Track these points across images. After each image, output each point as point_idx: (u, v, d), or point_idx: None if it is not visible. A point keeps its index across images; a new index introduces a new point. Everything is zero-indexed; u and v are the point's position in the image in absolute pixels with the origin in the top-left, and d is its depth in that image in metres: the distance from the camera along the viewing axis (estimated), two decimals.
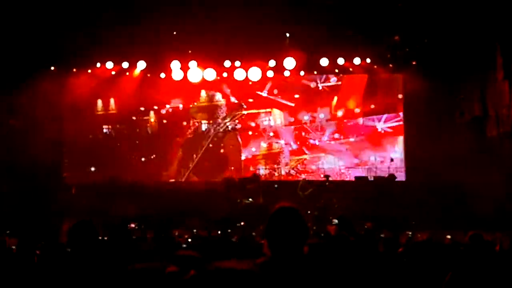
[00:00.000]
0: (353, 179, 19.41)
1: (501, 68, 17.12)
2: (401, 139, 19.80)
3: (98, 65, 19.28)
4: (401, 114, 19.80)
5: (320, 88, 20.37)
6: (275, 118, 20.44)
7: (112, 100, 20.38)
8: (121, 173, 19.71)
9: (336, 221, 6.35)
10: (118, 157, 20.43)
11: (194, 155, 20.46)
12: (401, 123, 19.89)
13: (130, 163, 20.61)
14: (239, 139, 20.55)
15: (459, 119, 18.63)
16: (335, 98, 20.28)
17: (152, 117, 20.62)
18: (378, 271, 5.15)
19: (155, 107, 20.54)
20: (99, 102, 20.38)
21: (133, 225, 10.00)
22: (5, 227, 13.57)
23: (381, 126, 19.96)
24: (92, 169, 20.45)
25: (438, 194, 16.04)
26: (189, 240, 12.29)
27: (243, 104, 20.52)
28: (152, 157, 20.68)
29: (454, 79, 18.26)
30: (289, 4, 15.86)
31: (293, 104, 20.37)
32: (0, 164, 17.34)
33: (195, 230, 15.42)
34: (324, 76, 20.27)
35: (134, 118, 20.60)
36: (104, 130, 20.65)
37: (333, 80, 20.33)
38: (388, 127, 19.94)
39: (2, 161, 17.38)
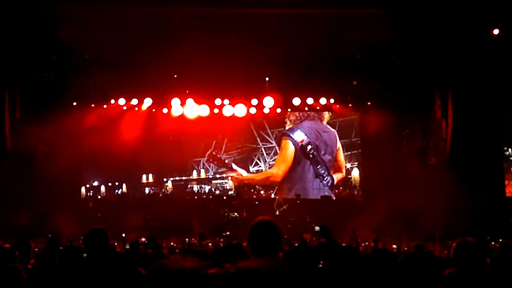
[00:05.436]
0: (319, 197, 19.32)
1: (439, 108, 17.28)
2: None
3: (112, 101, 19.20)
4: None
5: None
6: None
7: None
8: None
9: (318, 228, 6.24)
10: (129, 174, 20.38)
11: None
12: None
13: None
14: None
15: (405, 149, 18.70)
16: None
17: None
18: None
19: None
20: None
21: (143, 239, 9.83)
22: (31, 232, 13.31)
23: None
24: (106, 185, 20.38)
25: (389, 212, 15.98)
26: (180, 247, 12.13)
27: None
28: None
29: (401, 116, 18.36)
30: (270, 54, 15.94)
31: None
32: (29, 181, 17.24)
33: (187, 240, 15.29)
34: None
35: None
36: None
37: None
38: None
39: (30, 179, 17.27)
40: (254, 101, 18.94)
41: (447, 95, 16.94)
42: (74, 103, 19.03)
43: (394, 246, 12.72)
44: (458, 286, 4.71)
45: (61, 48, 15.66)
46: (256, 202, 19.15)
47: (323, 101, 18.98)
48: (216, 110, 19.34)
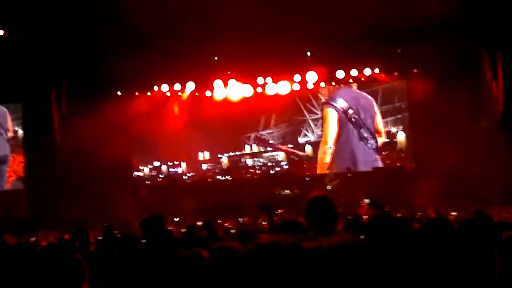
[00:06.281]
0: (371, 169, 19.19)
1: (489, 70, 16.93)
2: None
3: (156, 88, 19.37)
4: None
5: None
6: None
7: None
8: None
9: (367, 201, 6.19)
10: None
11: None
12: None
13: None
14: None
15: (456, 113, 18.32)
16: None
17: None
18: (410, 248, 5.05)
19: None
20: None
21: (199, 223, 9.97)
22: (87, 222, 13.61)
23: None
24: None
25: (445, 179, 15.75)
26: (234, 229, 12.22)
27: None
28: None
29: (449, 81, 17.96)
30: (310, 27, 15.80)
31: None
32: (82, 173, 17.59)
33: (241, 219, 15.37)
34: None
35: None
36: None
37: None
38: None
39: (83, 171, 17.62)
40: (297, 77, 18.82)
41: (496, 55, 16.53)
42: (119, 93, 19.29)
43: (453, 213, 12.54)
44: None
45: (101, 39, 15.88)
46: (307, 178, 19.17)
47: (367, 71, 18.76)
48: (259, 89, 19.32)
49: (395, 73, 19.29)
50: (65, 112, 18.23)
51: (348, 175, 18.66)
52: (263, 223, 12.84)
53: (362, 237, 4.25)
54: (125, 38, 15.93)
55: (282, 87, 19.06)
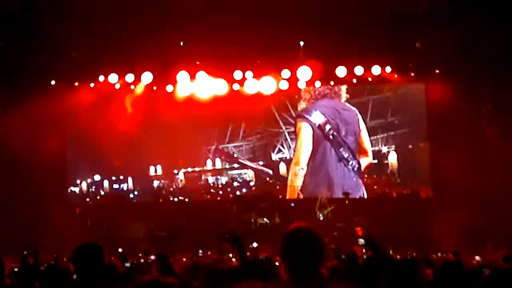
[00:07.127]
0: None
1: None
2: None
3: (102, 78, 19.19)
4: None
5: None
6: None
7: None
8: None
9: (362, 241, 6.15)
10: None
11: None
12: None
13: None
14: None
15: (486, 129, 18.46)
16: None
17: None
18: None
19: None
20: None
21: (153, 257, 9.96)
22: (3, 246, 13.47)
23: None
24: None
25: (467, 208, 15.84)
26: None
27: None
28: None
29: (480, 86, 18.07)
30: (304, 10, 15.78)
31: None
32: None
33: (201, 252, 15.32)
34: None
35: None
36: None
37: None
38: None
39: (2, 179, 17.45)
40: (286, 73, 18.80)
41: None
42: (53, 82, 19.11)
43: (477, 258, 12.60)
44: None
45: (35, 13, 15.74)
46: (292, 204, 19.16)
47: (376, 70, 18.77)
48: (236, 87, 19.28)
49: (412, 74, 19.32)
50: None
51: (346, 202, 18.70)
52: (233, 260, 12.83)
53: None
54: (62, 14, 15.77)
55: (266, 85, 19.03)
